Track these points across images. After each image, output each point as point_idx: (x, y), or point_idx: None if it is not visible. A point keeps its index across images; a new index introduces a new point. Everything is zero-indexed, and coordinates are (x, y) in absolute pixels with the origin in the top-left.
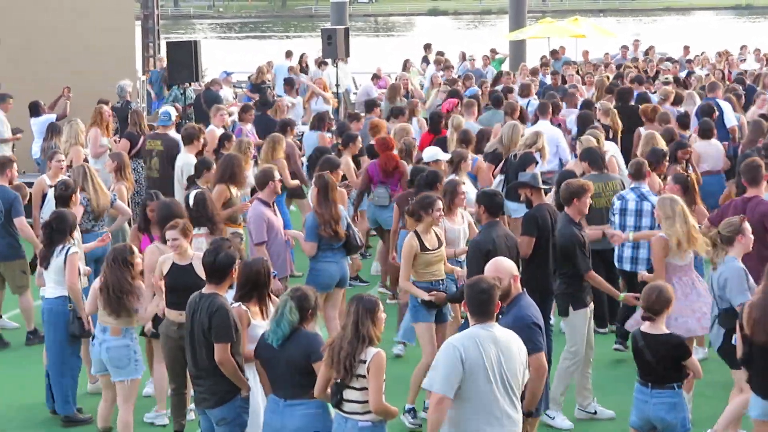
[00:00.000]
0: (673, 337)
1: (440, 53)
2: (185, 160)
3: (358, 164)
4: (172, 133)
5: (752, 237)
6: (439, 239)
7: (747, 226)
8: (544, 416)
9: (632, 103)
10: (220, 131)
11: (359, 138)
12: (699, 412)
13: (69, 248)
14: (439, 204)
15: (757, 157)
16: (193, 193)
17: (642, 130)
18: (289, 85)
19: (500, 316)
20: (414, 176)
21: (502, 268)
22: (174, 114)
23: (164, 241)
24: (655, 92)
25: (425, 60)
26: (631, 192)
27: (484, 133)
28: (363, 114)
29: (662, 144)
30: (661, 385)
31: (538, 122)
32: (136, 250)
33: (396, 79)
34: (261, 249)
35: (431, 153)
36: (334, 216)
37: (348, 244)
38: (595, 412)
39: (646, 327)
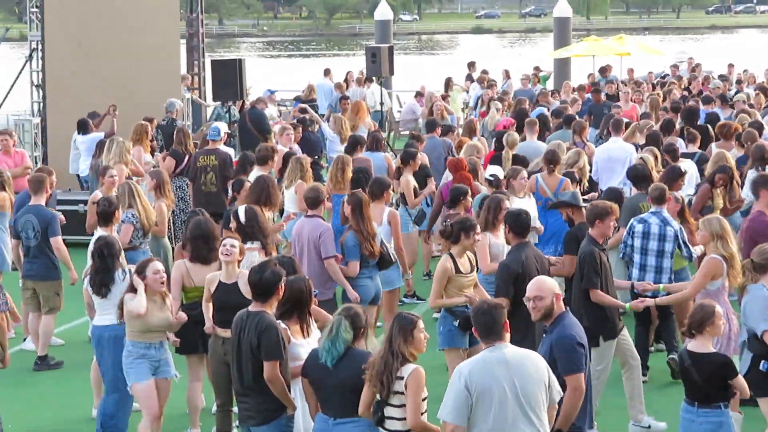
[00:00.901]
0: (719, 356)
1: (484, 71)
2: None
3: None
4: (223, 147)
5: None
6: (471, 264)
7: None
8: None
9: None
10: (285, 150)
11: (419, 155)
12: None
13: (128, 272)
14: (478, 228)
15: None
16: (242, 209)
17: (714, 147)
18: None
19: (544, 335)
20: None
21: (545, 287)
22: (224, 129)
23: (193, 259)
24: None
25: (469, 78)
26: (653, 216)
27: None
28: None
29: (731, 162)
30: (708, 404)
31: (611, 138)
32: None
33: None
34: (331, 263)
35: (491, 171)
36: (371, 233)
37: (382, 260)
38: (649, 426)
39: (692, 346)
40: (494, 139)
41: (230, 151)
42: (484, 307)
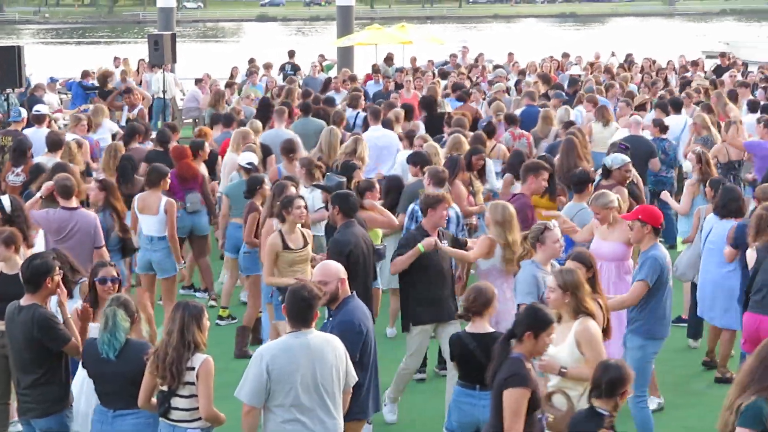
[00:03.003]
0: (499, 334)
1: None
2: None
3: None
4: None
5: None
6: (305, 239)
7: (549, 234)
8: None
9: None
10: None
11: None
12: None
13: None
14: (300, 202)
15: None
16: (7, 198)
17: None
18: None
19: (329, 319)
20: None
21: (330, 272)
22: (44, 111)
23: None
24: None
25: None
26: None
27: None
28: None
29: (465, 149)
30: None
31: (371, 127)
32: None
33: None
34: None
35: (246, 158)
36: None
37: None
38: None
39: (471, 328)
40: None
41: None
42: (304, 294)
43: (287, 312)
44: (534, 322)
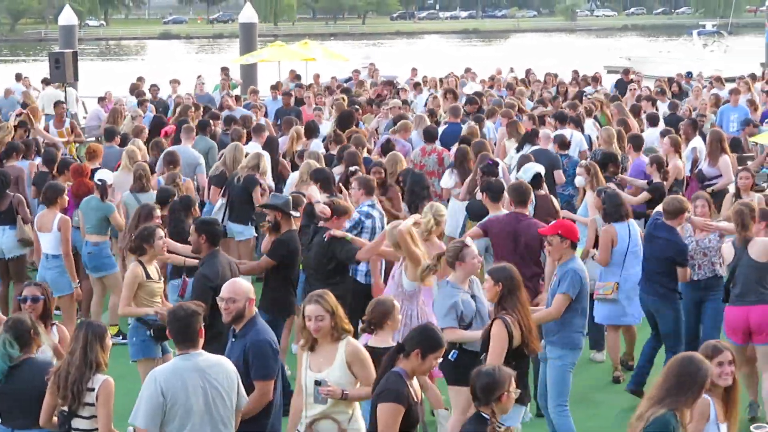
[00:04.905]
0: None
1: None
2: None
3: None
4: None
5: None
6: (158, 271)
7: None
8: None
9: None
10: None
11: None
12: None
13: None
14: (161, 233)
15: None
16: None
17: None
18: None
19: (233, 339)
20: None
21: (239, 290)
22: None
23: None
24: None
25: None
26: None
27: None
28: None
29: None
30: None
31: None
32: None
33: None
34: None
35: (100, 175)
36: None
37: None
38: None
39: (373, 341)
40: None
41: None
42: (180, 313)
43: (171, 335)
44: (425, 342)
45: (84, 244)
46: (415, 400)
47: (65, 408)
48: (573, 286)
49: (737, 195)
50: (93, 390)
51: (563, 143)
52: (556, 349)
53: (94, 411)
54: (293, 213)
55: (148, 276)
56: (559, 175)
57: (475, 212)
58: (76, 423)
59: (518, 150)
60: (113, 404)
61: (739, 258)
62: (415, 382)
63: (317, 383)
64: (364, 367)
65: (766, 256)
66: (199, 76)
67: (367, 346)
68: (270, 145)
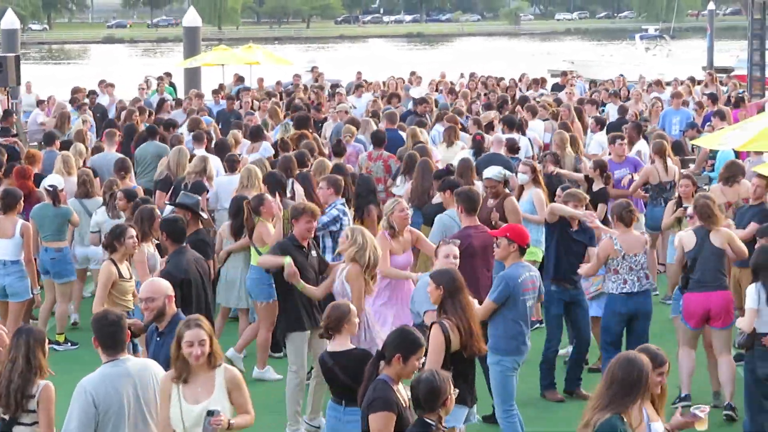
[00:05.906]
0: (359, 351)
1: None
2: None
3: None
4: None
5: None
6: (129, 270)
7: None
8: None
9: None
10: None
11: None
12: None
13: None
14: (132, 232)
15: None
16: None
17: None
18: None
19: (158, 339)
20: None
21: (158, 289)
22: None
23: None
24: None
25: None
26: None
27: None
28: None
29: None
30: (355, 402)
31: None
32: None
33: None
34: None
35: (49, 181)
36: None
37: None
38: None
39: (332, 346)
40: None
41: None
42: (108, 319)
43: (98, 342)
44: (403, 345)
45: (44, 250)
46: (404, 405)
47: (6, 416)
48: (500, 292)
49: (678, 203)
50: (33, 396)
51: (513, 147)
52: (492, 354)
53: (35, 417)
54: (202, 214)
55: (120, 275)
56: (513, 179)
57: (431, 217)
58: (18, 430)
59: (475, 156)
60: (54, 410)
61: (700, 246)
62: (401, 386)
63: (210, 413)
64: (242, 393)
65: (727, 245)
66: (147, 80)
67: (327, 352)
68: (221, 147)
